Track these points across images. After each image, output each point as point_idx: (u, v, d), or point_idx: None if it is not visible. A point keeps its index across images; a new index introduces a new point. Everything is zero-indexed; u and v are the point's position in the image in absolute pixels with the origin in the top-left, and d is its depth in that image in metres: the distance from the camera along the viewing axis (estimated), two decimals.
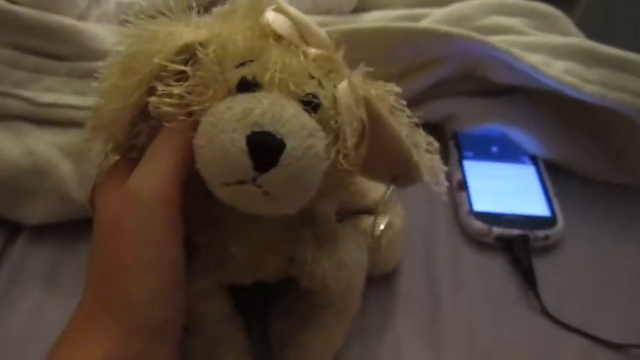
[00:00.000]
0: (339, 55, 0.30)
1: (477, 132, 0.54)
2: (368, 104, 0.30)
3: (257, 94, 0.27)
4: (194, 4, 0.31)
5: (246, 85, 0.28)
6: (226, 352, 0.36)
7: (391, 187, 0.36)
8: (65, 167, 0.43)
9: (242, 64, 0.28)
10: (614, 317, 0.43)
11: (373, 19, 0.56)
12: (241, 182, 0.26)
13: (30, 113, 0.44)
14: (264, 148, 0.25)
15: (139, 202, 0.28)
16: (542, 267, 0.46)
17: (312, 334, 0.36)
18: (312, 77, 0.29)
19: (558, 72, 0.47)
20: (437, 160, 0.34)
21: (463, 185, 0.50)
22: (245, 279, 0.34)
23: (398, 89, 0.32)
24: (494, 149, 0.54)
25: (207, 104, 0.28)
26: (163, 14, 0.30)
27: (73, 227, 0.44)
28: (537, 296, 0.44)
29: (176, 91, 0.28)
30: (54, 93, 0.45)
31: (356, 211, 0.41)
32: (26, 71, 0.45)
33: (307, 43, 0.30)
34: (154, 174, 0.28)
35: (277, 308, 0.39)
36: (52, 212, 0.44)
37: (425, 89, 0.54)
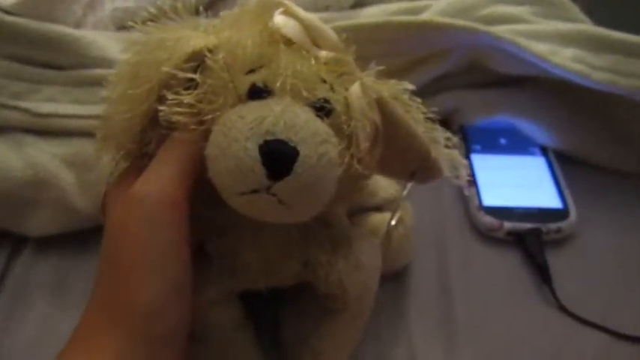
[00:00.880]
0: (350, 57, 0.30)
1: (484, 124, 0.54)
2: (382, 105, 0.30)
3: (268, 101, 0.27)
4: (201, 8, 0.30)
5: (257, 92, 0.27)
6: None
7: (409, 184, 0.36)
8: (67, 177, 0.43)
9: (252, 71, 0.28)
10: (633, 310, 0.43)
11: (373, 13, 0.55)
12: (255, 191, 0.26)
13: (30, 124, 0.44)
14: (278, 157, 0.25)
15: (145, 206, 0.28)
16: (556, 260, 0.45)
17: (327, 338, 0.35)
18: (324, 81, 0.28)
19: (565, 60, 0.46)
20: (456, 154, 0.34)
21: (472, 180, 0.49)
22: (259, 285, 0.34)
23: (411, 86, 0.32)
24: (503, 141, 0.53)
25: (217, 113, 0.27)
26: (170, 17, 0.30)
27: (78, 238, 0.44)
28: (552, 291, 0.43)
29: (186, 100, 0.27)
30: (53, 103, 0.44)
31: (365, 208, 0.41)
32: (25, 82, 0.45)
33: (318, 46, 0.29)
34: (160, 178, 0.28)
35: (289, 313, 0.38)
36: (55, 223, 0.44)
37: (429, 82, 0.53)
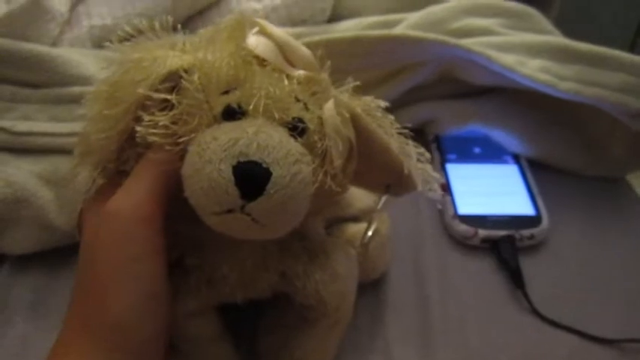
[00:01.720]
0: (324, 75, 0.30)
1: (458, 134, 0.55)
2: (355, 121, 0.30)
3: (242, 123, 0.27)
4: (179, 26, 0.31)
5: (232, 113, 0.28)
6: None
7: (384, 197, 0.36)
8: (45, 195, 0.43)
9: (227, 92, 0.28)
10: (605, 313, 0.44)
11: (347, 27, 0.56)
12: (230, 211, 0.26)
13: (7, 143, 0.44)
14: (251, 178, 0.26)
15: (117, 221, 0.28)
16: (530, 266, 0.46)
17: (306, 348, 0.36)
18: (298, 100, 0.29)
19: (533, 71, 0.48)
20: (429, 168, 0.34)
21: (447, 188, 0.50)
22: (237, 298, 0.34)
23: (385, 103, 0.32)
24: (477, 150, 0.54)
25: (193, 134, 0.28)
26: (147, 35, 0.30)
27: (57, 255, 0.44)
28: (526, 295, 0.44)
29: (161, 122, 0.28)
30: (29, 121, 0.44)
31: (341, 219, 0.41)
32: (2, 101, 0.45)
33: (292, 64, 0.30)
34: (134, 194, 0.29)
35: (267, 323, 0.39)
36: (34, 241, 0.43)
37: (403, 94, 0.54)
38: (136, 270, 0.28)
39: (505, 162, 0.54)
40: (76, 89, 0.45)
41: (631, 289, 0.45)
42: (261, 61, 0.29)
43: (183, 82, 0.28)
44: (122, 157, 0.31)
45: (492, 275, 0.46)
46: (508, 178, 0.52)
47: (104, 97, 0.30)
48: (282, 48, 0.30)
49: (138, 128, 0.28)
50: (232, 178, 0.25)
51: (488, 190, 0.51)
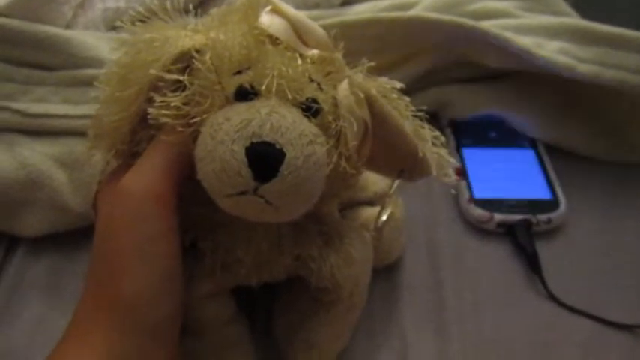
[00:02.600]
0: (338, 55, 0.30)
1: (474, 118, 0.54)
2: (371, 102, 0.29)
3: (255, 103, 0.27)
4: (191, 6, 0.30)
5: (245, 93, 0.27)
6: (233, 354, 0.36)
7: (397, 181, 0.36)
8: (59, 177, 0.43)
9: (239, 72, 0.28)
10: (622, 298, 0.43)
11: (362, 10, 0.55)
12: (243, 193, 0.26)
13: (22, 125, 0.44)
14: (264, 159, 0.25)
15: (131, 200, 0.28)
16: (546, 251, 0.45)
17: (320, 331, 0.36)
18: (312, 80, 0.28)
19: (551, 53, 0.47)
20: (444, 152, 0.34)
21: (463, 173, 0.50)
22: (251, 281, 0.34)
23: (400, 84, 0.31)
24: (493, 135, 0.54)
25: (205, 115, 0.27)
26: (159, 16, 0.30)
27: (72, 238, 0.44)
28: (542, 280, 0.43)
29: (173, 102, 0.27)
30: (44, 103, 0.44)
31: (356, 202, 0.41)
32: (17, 83, 0.45)
33: (306, 44, 0.29)
34: (147, 173, 0.29)
35: (282, 306, 0.39)
36: (49, 223, 0.44)
37: (418, 78, 0.54)
38: (151, 250, 0.28)
39: (521, 146, 0.53)
40: (90, 72, 0.45)
41: None
42: (274, 41, 0.29)
43: (195, 62, 0.28)
44: (135, 139, 0.31)
45: (508, 260, 0.45)
46: (524, 163, 0.51)
47: (116, 80, 0.29)
48: (295, 27, 0.29)
49: (150, 109, 0.28)
50: (245, 159, 0.25)
51: (505, 174, 0.50)
